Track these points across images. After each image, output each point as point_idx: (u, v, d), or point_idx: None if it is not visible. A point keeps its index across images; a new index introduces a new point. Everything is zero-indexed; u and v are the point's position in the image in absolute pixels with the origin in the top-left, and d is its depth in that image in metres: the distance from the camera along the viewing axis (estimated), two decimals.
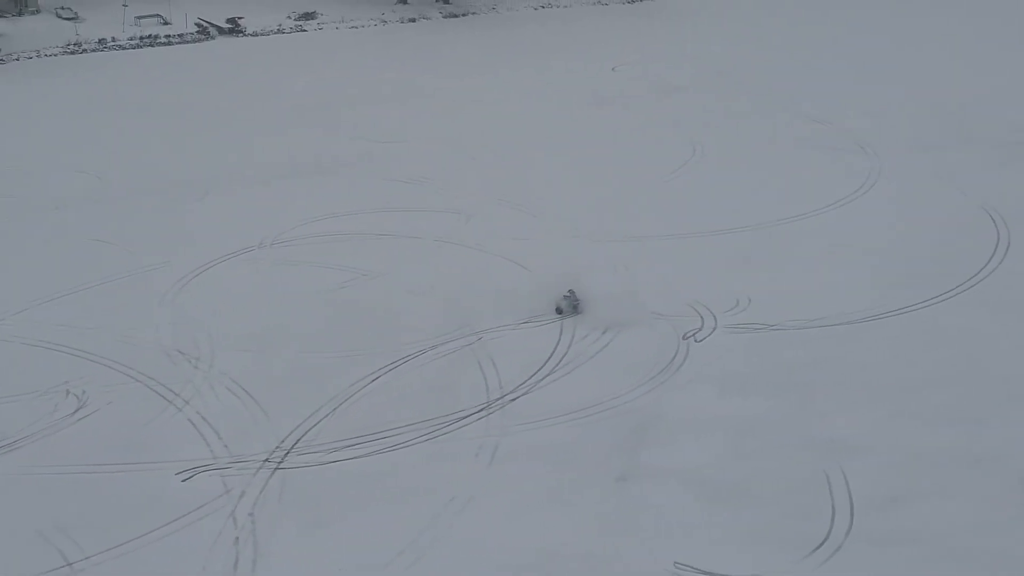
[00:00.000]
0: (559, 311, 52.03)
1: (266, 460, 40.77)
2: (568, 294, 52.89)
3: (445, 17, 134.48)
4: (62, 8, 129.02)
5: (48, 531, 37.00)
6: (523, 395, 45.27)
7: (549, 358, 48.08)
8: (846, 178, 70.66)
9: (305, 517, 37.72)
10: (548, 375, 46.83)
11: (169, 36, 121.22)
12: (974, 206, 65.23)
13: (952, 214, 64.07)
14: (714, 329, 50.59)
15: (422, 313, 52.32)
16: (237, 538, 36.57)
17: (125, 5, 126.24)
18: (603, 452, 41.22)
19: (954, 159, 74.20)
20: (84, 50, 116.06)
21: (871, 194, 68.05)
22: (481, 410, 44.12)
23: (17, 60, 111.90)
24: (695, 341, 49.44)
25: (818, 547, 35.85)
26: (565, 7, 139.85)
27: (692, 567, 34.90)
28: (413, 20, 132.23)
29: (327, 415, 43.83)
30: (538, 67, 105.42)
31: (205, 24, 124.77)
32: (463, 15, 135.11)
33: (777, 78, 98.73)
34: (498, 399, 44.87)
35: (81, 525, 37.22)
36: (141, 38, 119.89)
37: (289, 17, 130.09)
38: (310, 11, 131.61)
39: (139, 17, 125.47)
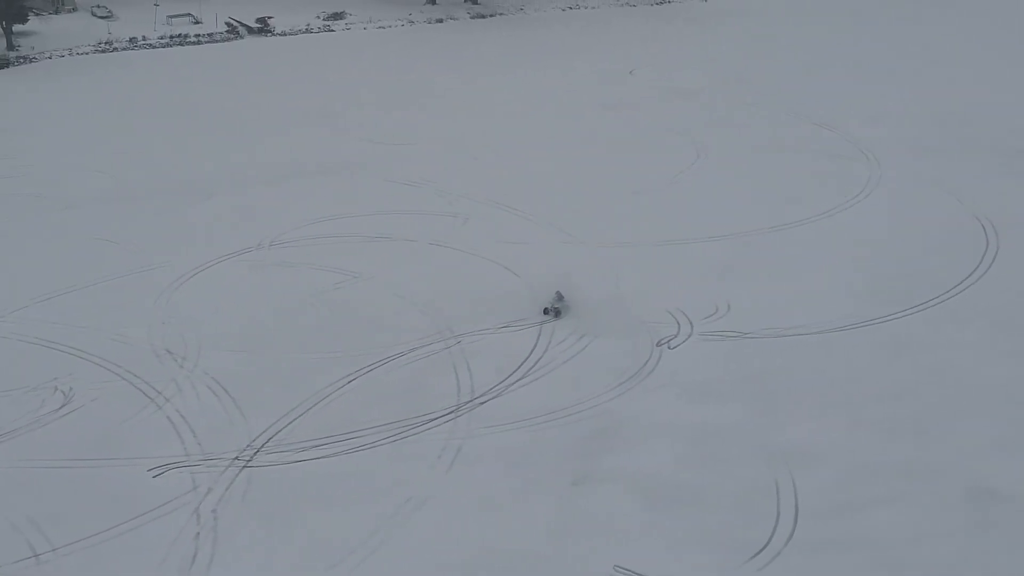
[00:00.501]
0: (556, 313, 53.05)
1: (235, 458, 42.16)
2: (556, 296, 53.99)
3: (473, 18, 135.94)
4: (98, 7, 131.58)
5: (21, 523, 38.63)
6: (493, 398, 46.30)
7: (523, 362, 49.09)
8: (844, 186, 71.23)
9: (265, 515, 39.03)
10: (520, 379, 47.83)
11: (199, 35, 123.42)
12: (968, 215, 65.42)
13: (945, 224, 64.38)
14: (689, 336, 51.40)
15: (406, 316, 53.66)
16: (198, 534, 37.99)
17: (156, 4, 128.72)
18: (563, 455, 42.25)
19: (955, 166, 74.51)
20: (115, 49, 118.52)
21: (867, 202, 68.53)
22: (450, 413, 45.22)
23: (49, 58, 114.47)
24: (668, 348, 50.25)
25: (757, 554, 36.70)
26: (592, 8, 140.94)
27: (631, 570, 35.88)
28: (440, 21, 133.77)
29: (300, 415, 45.08)
30: (557, 69, 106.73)
31: (235, 24, 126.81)
32: (491, 16, 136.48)
33: (790, 82, 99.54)
34: (468, 402, 45.97)
35: (52, 518, 38.80)
36: (171, 37, 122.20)
37: (318, 17, 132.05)
38: (339, 11, 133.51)
39: (171, 16, 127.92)
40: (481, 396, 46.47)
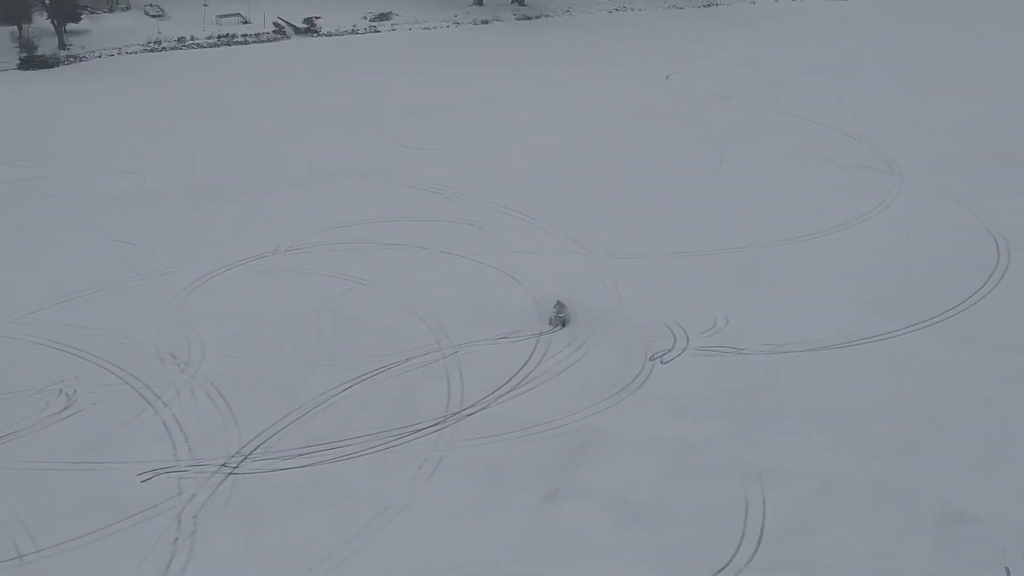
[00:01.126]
0: (562, 323, 53.87)
1: (223, 465, 43.33)
2: (557, 307, 54.73)
3: (518, 19, 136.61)
4: (150, 5, 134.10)
5: (10, 524, 40.01)
6: (481, 410, 47.08)
7: (515, 374, 49.82)
8: (864, 198, 71.06)
9: (244, 521, 40.13)
10: (511, 391, 48.56)
11: (246, 35, 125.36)
12: (984, 231, 65.15)
13: (959, 239, 64.18)
14: (684, 350, 51.83)
15: (407, 325, 54.62)
16: (176, 539, 39.19)
17: (205, 4, 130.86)
18: (541, 469, 42.95)
19: (978, 180, 74.15)
20: (163, 48, 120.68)
21: (884, 215, 68.43)
22: (437, 423, 46.09)
23: (99, 57, 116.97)
24: (661, 362, 50.74)
25: (717, 572, 37.19)
26: (639, 10, 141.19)
27: None
28: (486, 22, 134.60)
29: (291, 423, 46.16)
30: (595, 73, 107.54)
31: (282, 24, 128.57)
32: (536, 17, 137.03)
33: (826, 88, 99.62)
34: (456, 413, 46.81)
35: (40, 519, 40.19)
36: (219, 37, 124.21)
37: (365, 17, 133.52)
38: (386, 12, 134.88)
39: (220, 16, 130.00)
40: (469, 407, 47.25)
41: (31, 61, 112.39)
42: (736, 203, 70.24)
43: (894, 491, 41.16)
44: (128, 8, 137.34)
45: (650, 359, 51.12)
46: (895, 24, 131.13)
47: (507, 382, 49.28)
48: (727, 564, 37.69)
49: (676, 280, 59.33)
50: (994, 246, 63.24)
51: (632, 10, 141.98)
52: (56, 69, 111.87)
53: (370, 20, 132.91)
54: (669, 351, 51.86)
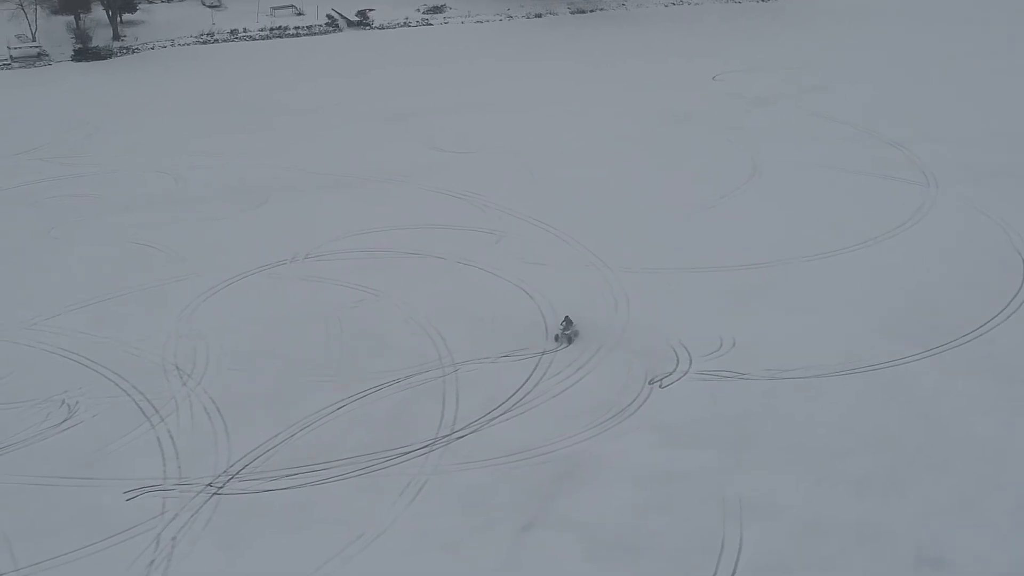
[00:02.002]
0: (568, 340, 53.71)
1: (209, 484, 43.75)
2: (564, 323, 54.49)
3: (572, 13, 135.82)
4: None
5: None
6: (471, 433, 47.00)
7: (511, 396, 49.66)
8: (893, 212, 69.82)
9: (222, 544, 40.48)
10: (504, 414, 48.42)
11: (298, 28, 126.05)
12: (1011, 250, 63.74)
13: (984, 259, 62.71)
14: (685, 374, 51.32)
15: (412, 340, 54.71)
16: (152, 561, 39.66)
17: None
18: (520, 498, 42.77)
19: (1013, 194, 72.27)
20: (216, 40, 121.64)
21: (912, 231, 67.08)
22: (426, 446, 46.12)
23: (152, 49, 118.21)
24: (660, 387, 50.30)
25: None
26: (696, 4, 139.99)
27: None
28: (539, 16, 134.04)
29: (282, 441, 46.46)
30: (642, 71, 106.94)
31: (336, 16, 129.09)
32: (591, 11, 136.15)
33: (875, 92, 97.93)
34: (446, 435, 46.80)
35: (24, 535, 40.88)
36: (271, 29, 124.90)
37: (418, 10, 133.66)
38: (439, 4, 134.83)
39: (275, 8, 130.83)
40: (460, 430, 47.21)
41: (84, 52, 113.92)
42: (764, 216, 69.37)
43: (875, 531, 40.44)
44: None
45: (649, 383, 50.66)
46: (956, 20, 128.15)
47: (501, 404, 49.11)
48: None
49: (689, 297, 58.78)
50: (1019, 266, 61.62)
51: (688, 4, 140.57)
52: (108, 61, 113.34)
53: (423, 13, 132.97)
54: (670, 374, 51.34)
